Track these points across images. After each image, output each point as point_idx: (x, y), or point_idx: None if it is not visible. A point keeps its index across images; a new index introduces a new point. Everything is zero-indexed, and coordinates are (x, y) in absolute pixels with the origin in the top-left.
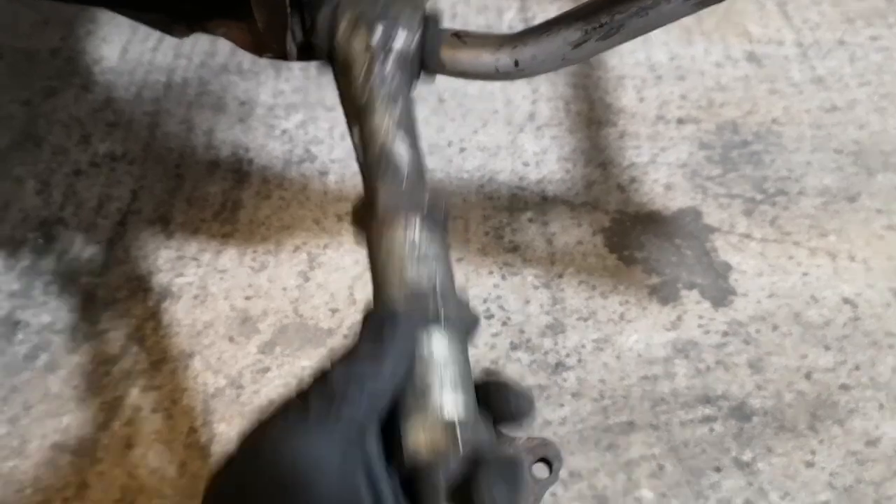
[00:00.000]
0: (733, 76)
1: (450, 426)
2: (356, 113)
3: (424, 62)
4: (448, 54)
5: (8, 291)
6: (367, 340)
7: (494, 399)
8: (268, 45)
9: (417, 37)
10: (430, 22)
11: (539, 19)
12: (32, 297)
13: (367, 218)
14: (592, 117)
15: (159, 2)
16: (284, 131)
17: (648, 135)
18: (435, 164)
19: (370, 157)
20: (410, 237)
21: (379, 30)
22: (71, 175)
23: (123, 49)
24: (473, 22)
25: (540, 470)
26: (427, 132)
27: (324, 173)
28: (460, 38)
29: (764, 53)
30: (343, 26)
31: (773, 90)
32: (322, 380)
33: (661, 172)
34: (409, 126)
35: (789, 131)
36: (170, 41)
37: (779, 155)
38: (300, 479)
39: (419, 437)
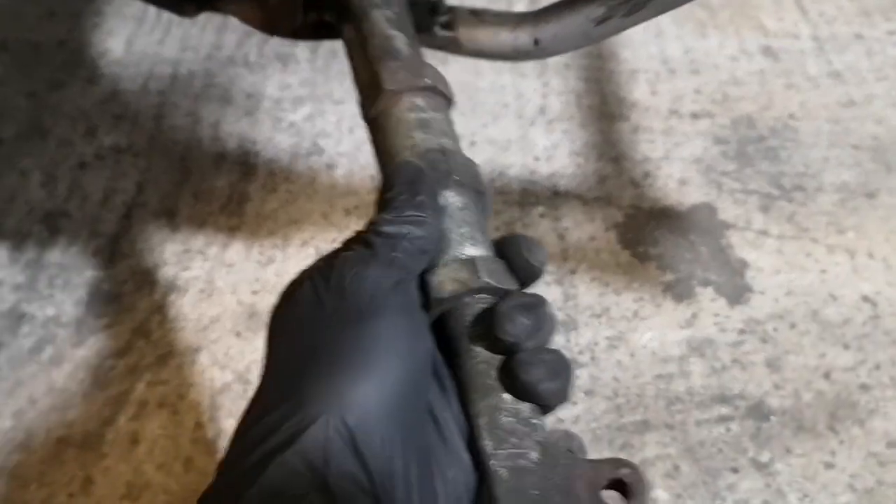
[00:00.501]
0: (748, 70)
1: (469, 262)
2: (357, 16)
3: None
4: (465, 33)
5: (13, 284)
6: (405, 193)
7: (511, 251)
8: (277, 25)
9: None
10: None
11: None
12: (37, 289)
13: (372, 99)
14: (604, 111)
15: None
16: (292, 124)
17: (662, 129)
18: None
19: (371, 49)
20: (417, 106)
21: None
22: (76, 167)
23: (129, 41)
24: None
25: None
26: None
27: (332, 167)
28: (478, 15)
29: (780, 47)
30: None
31: (790, 84)
32: (377, 227)
33: (675, 167)
34: (406, 28)
35: (806, 126)
36: (176, 33)
37: (795, 150)
38: (370, 308)
39: (442, 275)
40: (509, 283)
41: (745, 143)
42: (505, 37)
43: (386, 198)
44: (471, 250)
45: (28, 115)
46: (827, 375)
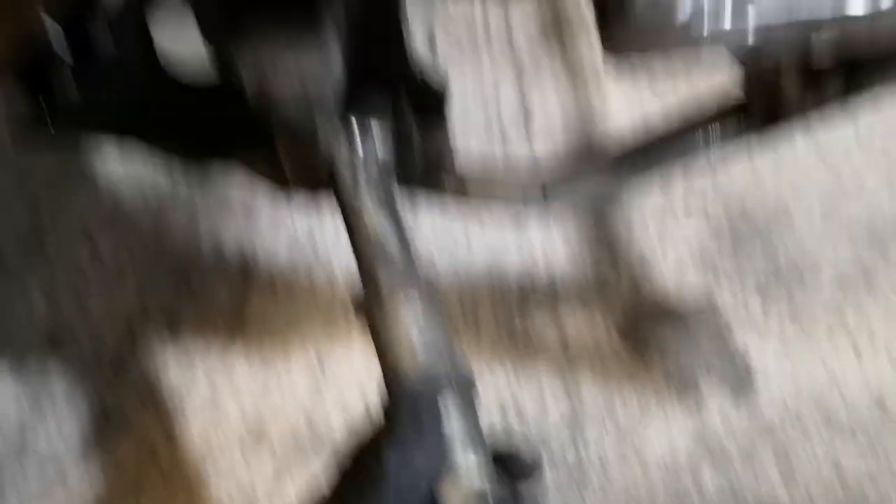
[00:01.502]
0: (738, 158)
1: (481, 495)
2: (350, 215)
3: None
4: (475, 185)
5: (17, 416)
6: (407, 424)
7: (506, 460)
8: (292, 182)
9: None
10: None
11: (536, 102)
12: (42, 415)
13: (368, 303)
14: (599, 207)
15: (180, 136)
16: (292, 226)
17: (656, 219)
18: (443, 261)
19: (363, 247)
20: (413, 312)
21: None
22: (78, 281)
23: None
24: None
25: None
26: (433, 230)
27: (331, 269)
28: (486, 169)
29: None
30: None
31: (778, 165)
32: (376, 464)
33: (670, 259)
34: (396, 220)
35: (798, 207)
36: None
37: (789, 232)
38: None
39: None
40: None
41: (738, 228)
42: (514, 190)
43: (393, 431)
44: (472, 459)
45: (28, 226)
46: (841, 479)
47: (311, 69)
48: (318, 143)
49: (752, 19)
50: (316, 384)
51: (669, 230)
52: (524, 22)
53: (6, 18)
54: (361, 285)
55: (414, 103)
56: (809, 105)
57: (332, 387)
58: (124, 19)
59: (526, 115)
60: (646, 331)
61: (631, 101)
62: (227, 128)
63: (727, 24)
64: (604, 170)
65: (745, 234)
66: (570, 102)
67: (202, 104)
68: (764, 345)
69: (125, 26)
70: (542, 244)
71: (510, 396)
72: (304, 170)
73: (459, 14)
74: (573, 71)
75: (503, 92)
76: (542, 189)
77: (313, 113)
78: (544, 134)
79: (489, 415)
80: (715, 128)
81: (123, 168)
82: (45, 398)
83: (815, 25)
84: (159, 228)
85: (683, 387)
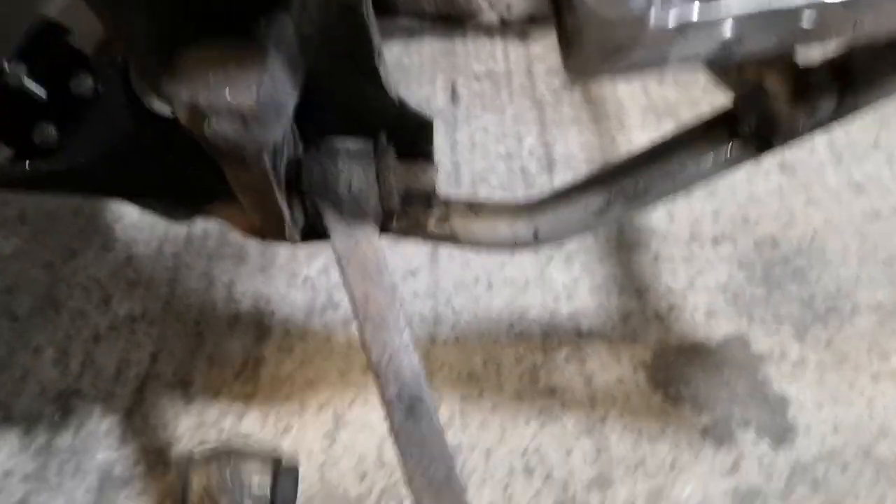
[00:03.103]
0: (766, 188)
1: None
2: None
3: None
4: (461, 226)
5: (22, 474)
6: None
7: None
8: (270, 232)
9: None
10: None
11: (559, 145)
12: (47, 479)
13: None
14: (623, 241)
15: (161, 190)
16: (306, 279)
17: (683, 257)
18: (462, 303)
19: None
20: None
21: None
22: (90, 341)
23: None
24: (493, 150)
25: None
26: (451, 268)
27: (347, 322)
28: (473, 208)
29: (796, 160)
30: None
31: (810, 200)
32: None
33: (700, 297)
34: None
35: (832, 243)
36: None
37: (824, 270)
38: None
39: None
40: None
41: (770, 266)
42: (503, 229)
43: None
44: None
45: (43, 287)
46: None
47: (247, 91)
48: (267, 175)
49: (726, 26)
50: (332, 445)
51: (698, 266)
52: (545, 57)
53: None
54: None
55: (394, 139)
56: (803, 121)
57: (349, 449)
58: (103, 60)
59: (548, 154)
60: (676, 374)
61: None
62: (208, 171)
63: (696, 40)
64: (592, 196)
65: (777, 269)
66: (593, 140)
67: (182, 145)
68: (801, 384)
69: (104, 64)
70: (564, 281)
71: (534, 449)
72: (266, 216)
73: (482, 55)
74: (595, 106)
75: (524, 131)
76: (533, 230)
77: (257, 138)
78: (568, 173)
79: (512, 467)
80: (703, 147)
81: (140, 222)
82: (53, 460)
83: (792, 20)
84: (174, 282)
85: (717, 434)
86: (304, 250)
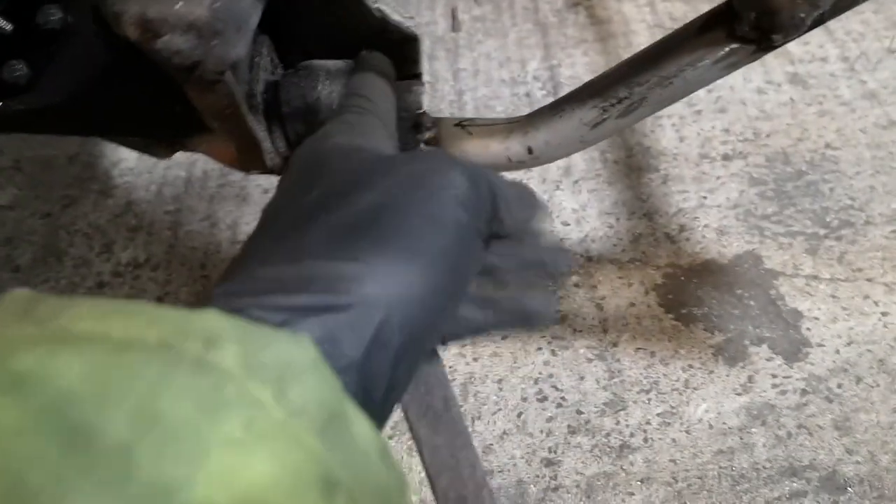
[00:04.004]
0: (777, 102)
1: None
2: None
3: None
4: (453, 147)
5: None
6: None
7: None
8: (250, 162)
9: None
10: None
11: (564, 67)
12: None
13: None
14: (632, 164)
15: (141, 125)
16: None
17: (693, 176)
18: None
19: None
20: None
21: None
22: (94, 288)
23: None
24: (497, 76)
25: None
26: None
27: None
28: (464, 127)
29: (808, 73)
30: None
31: (823, 112)
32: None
33: (711, 216)
34: None
35: (846, 155)
36: None
37: (838, 183)
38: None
39: None
40: None
41: (783, 182)
42: (496, 148)
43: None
44: None
45: (43, 236)
46: None
47: (200, 2)
48: (234, 94)
49: None
50: None
51: (708, 185)
52: None
53: None
54: None
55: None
56: (805, 12)
57: None
58: None
59: (553, 78)
60: (688, 295)
61: None
62: (184, 103)
63: None
64: (587, 108)
65: (789, 184)
66: (599, 60)
67: (157, 77)
68: (814, 299)
69: None
70: (573, 206)
71: (547, 376)
72: (242, 144)
73: None
74: (601, 26)
75: (528, 55)
76: (526, 147)
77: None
78: None
79: (525, 394)
80: (701, 48)
81: (138, 166)
82: None
83: None
84: (176, 226)
85: (731, 352)
86: None
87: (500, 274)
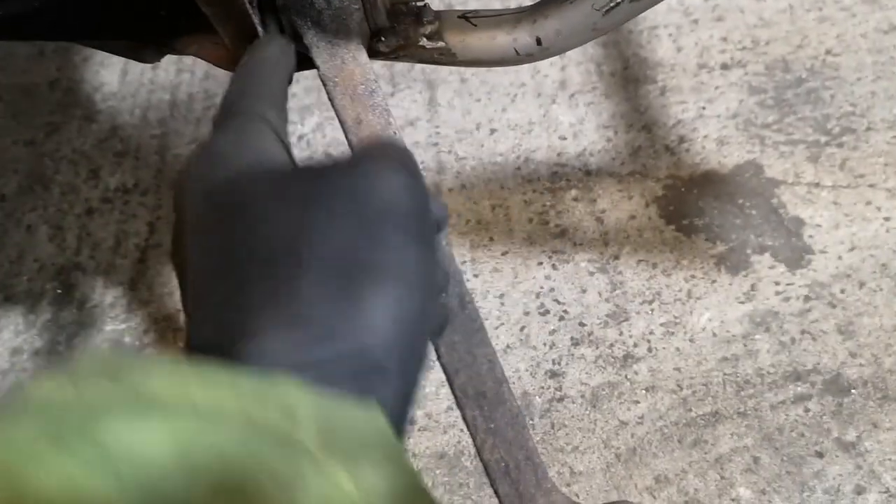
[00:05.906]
0: (776, 8)
1: None
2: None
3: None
4: (457, 41)
5: (31, 350)
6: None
7: None
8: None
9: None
10: None
11: None
12: (57, 353)
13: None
14: (629, 76)
15: (124, 28)
16: (301, 136)
17: (692, 87)
18: (465, 150)
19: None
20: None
21: None
22: (83, 215)
23: (123, 72)
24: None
25: None
26: (452, 116)
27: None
28: (469, 19)
29: None
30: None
31: (823, 17)
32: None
33: (711, 127)
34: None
35: (847, 61)
36: (170, 57)
37: (839, 89)
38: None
39: None
40: None
41: (783, 90)
42: (503, 40)
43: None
44: None
45: (28, 164)
46: None
47: None
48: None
49: None
50: None
51: (707, 95)
52: None
53: None
54: None
55: None
56: None
57: None
58: None
59: None
60: (689, 206)
61: None
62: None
63: None
64: None
65: (789, 92)
66: None
67: None
68: (816, 206)
69: None
70: (570, 120)
71: (548, 290)
72: (236, 38)
73: None
74: None
75: None
76: (535, 38)
77: None
78: None
79: (527, 308)
80: None
81: (121, 90)
82: (60, 334)
83: None
84: (163, 150)
85: (733, 262)
86: (297, 105)
87: None
